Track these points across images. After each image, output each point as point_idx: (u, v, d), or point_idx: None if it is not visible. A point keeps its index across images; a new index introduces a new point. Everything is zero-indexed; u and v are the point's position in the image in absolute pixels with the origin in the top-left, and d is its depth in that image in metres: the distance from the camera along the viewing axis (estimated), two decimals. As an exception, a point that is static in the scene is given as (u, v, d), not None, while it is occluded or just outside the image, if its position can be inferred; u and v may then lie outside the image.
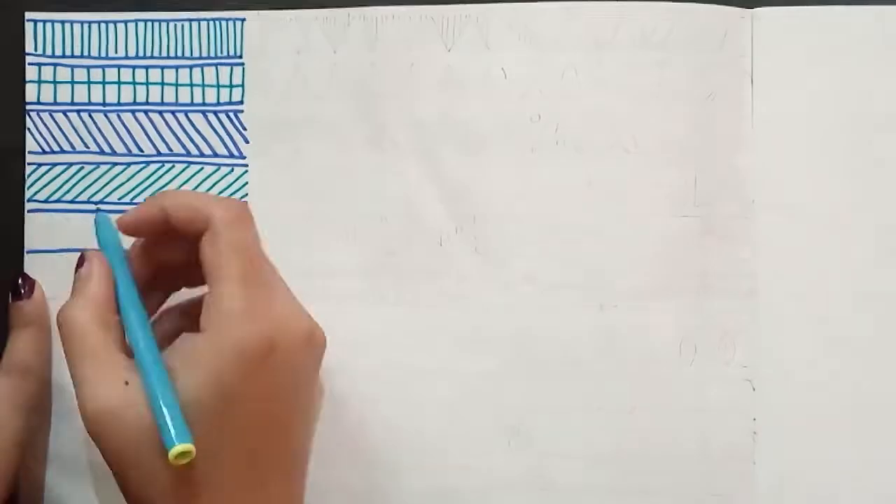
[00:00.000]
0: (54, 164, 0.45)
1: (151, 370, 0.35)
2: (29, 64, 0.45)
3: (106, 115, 0.45)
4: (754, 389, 0.44)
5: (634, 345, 0.44)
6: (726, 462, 0.43)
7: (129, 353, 0.37)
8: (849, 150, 0.44)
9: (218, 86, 0.45)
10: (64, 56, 0.46)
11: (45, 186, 0.45)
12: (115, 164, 0.45)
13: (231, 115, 0.45)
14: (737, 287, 0.44)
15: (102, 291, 0.38)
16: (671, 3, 0.44)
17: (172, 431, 0.33)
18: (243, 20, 0.45)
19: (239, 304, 0.36)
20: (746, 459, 0.44)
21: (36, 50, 0.46)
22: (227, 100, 0.45)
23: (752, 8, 0.44)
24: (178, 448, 0.33)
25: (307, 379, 0.39)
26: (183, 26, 0.45)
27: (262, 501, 0.37)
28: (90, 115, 0.45)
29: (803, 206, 0.44)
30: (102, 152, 0.45)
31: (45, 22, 0.45)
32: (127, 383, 0.35)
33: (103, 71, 0.45)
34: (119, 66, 0.45)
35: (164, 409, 0.34)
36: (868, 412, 0.44)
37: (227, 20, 0.45)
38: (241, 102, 0.45)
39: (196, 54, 0.45)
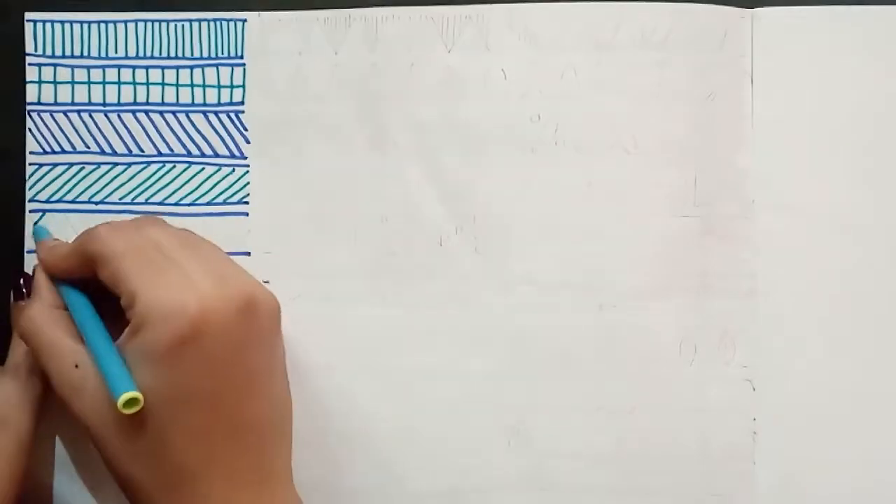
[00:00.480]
0: (55, 165, 0.46)
1: (96, 341, 0.38)
2: (29, 64, 0.46)
3: (106, 116, 0.46)
4: (754, 389, 0.44)
5: (634, 345, 0.44)
6: (726, 462, 0.44)
7: (79, 339, 0.39)
8: (849, 149, 0.44)
9: (219, 86, 0.45)
10: (64, 56, 0.46)
11: (45, 187, 0.45)
12: (116, 164, 0.45)
13: (232, 115, 0.45)
14: (737, 287, 0.44)
15: (47, 293, 0.42)
16: (671, 3, 0.44)
17: (118, 383, 0.36)
18: (244, 21, 0.45)
19: (149, 301, 0.37)
20: (746, 459, 0.44)
21: (36, 50, 0.46)
22: (228, 100, 0.45)
23: (752, 8, 0.45)
24: (125, 395, 0.35)
25: (250, 349, 0.39)
26: (184, 27, 0.45)
27: (223, 473, 0.38)
28: (90, 116, 0.46)
29: (803, 206, 0.44)
30: (103, 152, 0.46)
31: (45, 22, 0.46)
32: (77, 366, 0.38)
33: (104, 71, 0.46)
34: (119, 67, 0.46)
35: (109, 367, 0.37)
36: (868, 412, 0.44)
37: (227, 21, 0.45)
38: (242, 103, 0.45)
39: (197, 55, 0.45)
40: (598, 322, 0.44)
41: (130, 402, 0.35)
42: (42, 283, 0.42)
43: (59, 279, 0.42)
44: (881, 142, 0.44)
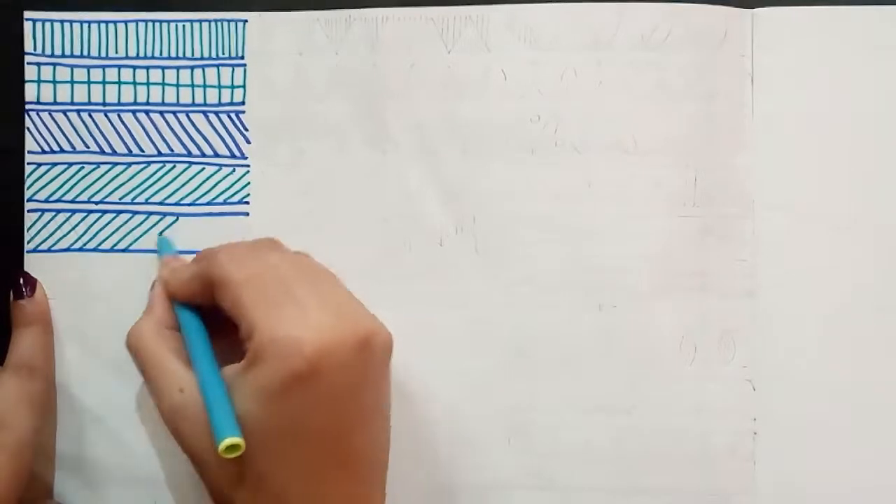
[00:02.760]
0: (54, 164, 0.46)
1: (205, 374, 0.38)
2: (28, 63, 0.46)
3: (106, 115, 0.46)
4: (754, 389, 0.44)
5: (634, 345, 0.44)
6: (726, 462, 0.44)
7: (187, 362, 0.40)
8: (849, 149, 0.45)
9: (219, 86, 0.46)
10: (63, 56, 0.46)
11: (45, 186, 0.46)
12: (116, 164, 0.46)
13: (232, 115, 0.46)
14: (737, 287, 0.44)
15: (161, 310, 0.42)
16: (671, 3, 0.44)
17: (222, 427, 0.36)
18: (245, 21, 0.46)
19: (266, 336, 0.36)
20: (746, 459, 0.44)
21: (35, 49, 0.46)
22: (229, 100, 0.46)
23: (752, 8, 0.45)
24: (226, 441, 0.35)
25: (363, 387, 0.38)
26: (184, 27, 0.46)
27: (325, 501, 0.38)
28: (90, 115, 0.46)
29: (803, 206, 0.45)
30: (103, 152, 0.46)
31: (44, 21, 0.46)
32: (181, 390, 0.38)
33: (103, 71, 0.46)
34: (119, 66, 0.46)
35: (215, 407, 0.37)
36: (868, 412, 0.44)
37: (228, 21, 0.46)
38: (243, 103, 0.46)
39: (197, 55, 0.46)
40: (598, 322, 0.44)
41: (231, 447, 0.35)
42: (157, 300, 0.42)
43: (176, 301, 0.42)
44: (881, 142, 0.45)
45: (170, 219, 0.46)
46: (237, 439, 0.35)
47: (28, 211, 0.46)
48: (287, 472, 0.37)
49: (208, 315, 0.41)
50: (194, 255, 0.42)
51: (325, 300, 0.38)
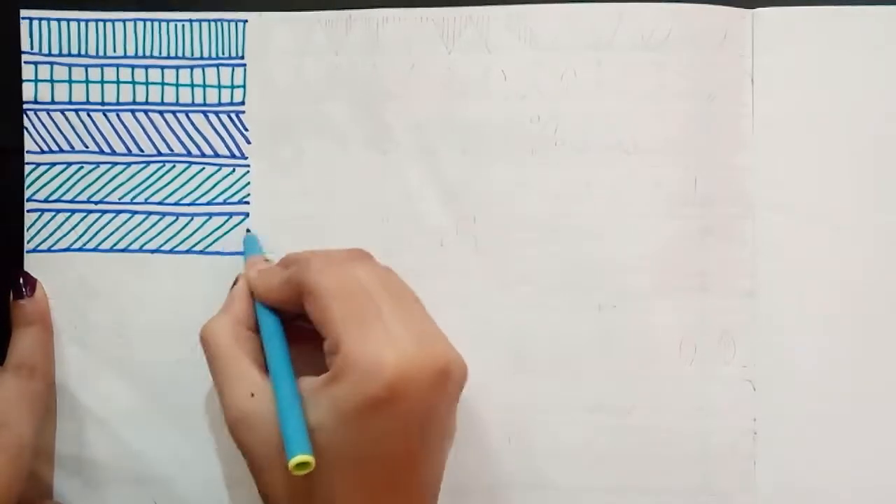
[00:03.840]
0: (53, 164, 0.46)
1: (282, 383, 0.38)
2: (25, 62, 0.46)
3: (105, 115, 0.46)
4: (754, 389, 0.44)
5: (634, 345, 0.45)
6: (726, 462, 0.44)
7: (261, 366, 0.39)
8: (849, 149, 0.45)
9: (219, 86, 0.46)
10: (61, 55, 0.46)
11: (44, 186, 0.46)
12: (115, 163, 0.46)
13: (232, 115, 0.46)
14: (737, 287, 0.45)
15: (241, 309, 0.41)
16: (671, 4, 0.45)
17: (294, 442, 0.35)
18: (245, 21, 0.46)
19: (351, 355, 0.36)
20: (746, 459, 0.44)
21: (32, 48, 0.46)
22: (229, 100, 0.46)
23: (753, 8, 0.45)
24: (297, 458, 0.34)
25: (437, 416, 0.38)
26: (184, 27, 0.46)
27: None
28: (89, 115, 0.46)
29: (803, 206, 0.45)
30: (102, 152, 0.46)
31: (41, 20, 0.46)
32: (252, 395, 0.38)
33: (101, 70, 0.46)
34: (118, 66, 0.46)
35: (289, 421, 0.36)
36: (868, 412, 0.45)
37: (228, 21, 0.46)
38: (243, 103, 0.46)
39: (197, 55, 0.46)
40: (598, 322, 0.45)
41: (302, 465, 0.35)
42: (239, 298, 0.42)
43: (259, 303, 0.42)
44: (881, 141, 0.45)
45: (169, 218, 0.46)
46: (308, 457, 0.35)
47: (28, 211, 0.46)
48: (350, 494, 0.37)
49: (287, 322, 0.41)
50: (282, 259, 0.42)
51: (410, 324, 0.38)
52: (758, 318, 0.45)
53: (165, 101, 0.46)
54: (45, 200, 0.46)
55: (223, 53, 0.46)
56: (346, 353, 0.36)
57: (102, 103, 0.46)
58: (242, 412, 0.38)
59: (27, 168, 0.46)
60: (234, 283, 0.43)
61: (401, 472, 0.37)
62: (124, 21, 0.46)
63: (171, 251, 0.46)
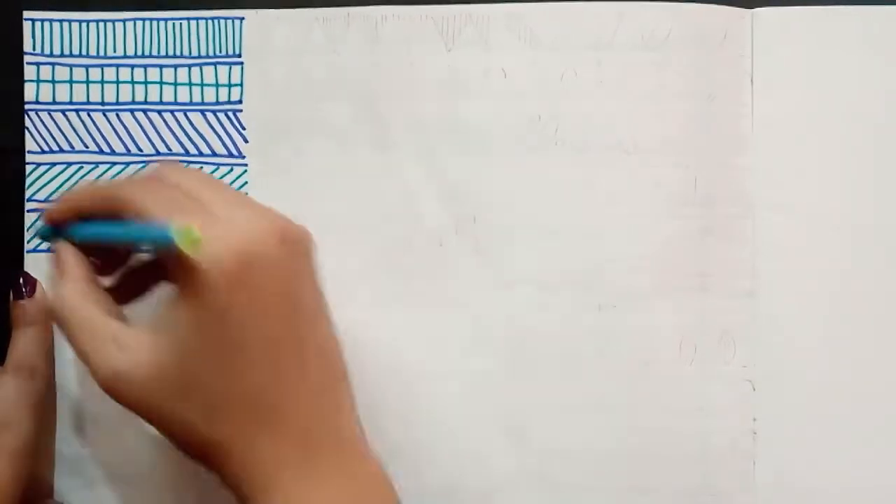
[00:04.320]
0: (53, 164, 0.46)
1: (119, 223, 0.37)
2: (27, 63, 0.46)
3: (105, 115, 0.46)
4: (754, 389, 0.45)
5: (634, 345, 0.45)
6: (726, 462, 0.44)
7: (119, 317, 0.39)
8: (849, 149, 0.45)
9: (217, 85, 0.46)
10: (62, 55, 0.46)
11: (44, 186, 0.46)
12: (115, 163, 0.46)
13: (230, 114, 0.46)
14: (737, 287, 0.45)
15: (75, 269, 0.40)
16: (671, 3, 0.45)
17: (155, 228, 0.35)
18: (242, 19, 0.46)
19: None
20: (746, 459, 0.44)
21: (34, 49, 0.46)
22: (227, 99, 0.46)
23: (752, 8, 0.45)
24: (180, 231, 0.34)
25: (299, 284, 0.38)
26: (181, 25, 0.46)
27: (294, 409, 0.37)
28: (89, 115, 0.46)
29: (803, 206, 0.45)
30: (102, 152, 0.46)
31: (43, 21, 0.46)
32: (119, 347, 0.37)
33: (102, 70, 0.46)
34: (118, 66, 0.46)
35: (145, 226, 0.36)
36: (868, 412, 0.45)
37: (225, 19, 0.46)
38: (241, 102, 0.46)
39: (195, 53, 0.46)
40: (598, 322, 0.45)
41: (186, 238, 0.34)
42: (69, 258, 0.40)
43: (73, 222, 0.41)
44: (881, 142, 0.45)
45: None
46: (189, 220, 0.34)
47: (28, 211, 0.46)
48: (248, 382, 0.36)
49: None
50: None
51: (233, 206, 0.37)
52: (758, 318, 0.45)
53: (164, 100, 0.46)
54: (45, 200, 0.46)
55: (221, 51, 0.46)
56: (183, 257, 0.35)
57: (102, 103, 0.46)
58: (115, 369, 0.37)
59: (27, 168, 0.46)
60: (52, 255, 0.41)
61: (289, 349, 0.37)
62: (124, 21, 0.46)
63: (170, 251, 0.46)
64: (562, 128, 0.45)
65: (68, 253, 0.40)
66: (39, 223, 0.43)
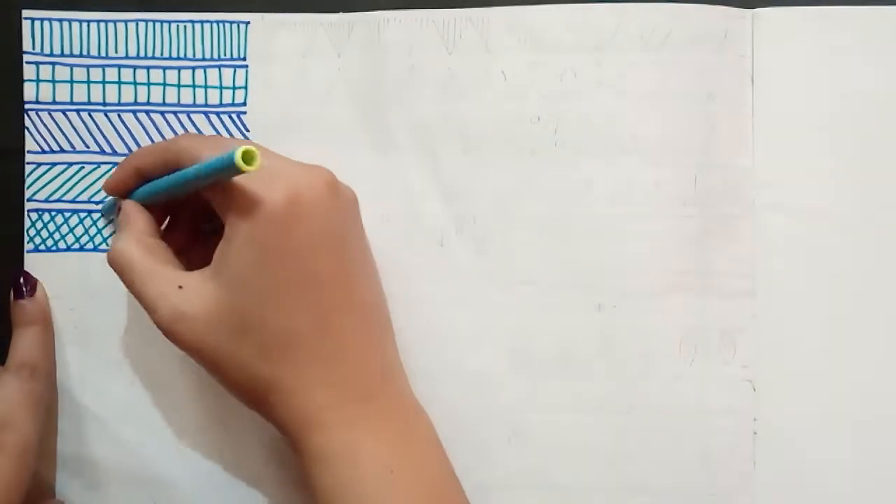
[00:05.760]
0: (54, 164, 0.47)
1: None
2: (27, 62, 0.47)
3: (106, 115, 0.47)
4: (755, 389, 0.45)
5: (634, 345, 0.45)
6: (726, 462, 0.45)
7: (180, 266, 0.41)
8: (849, 149, 0.45)
9: (221, 87, 0.46)
10: (63, 55, 0.47)
11: (44, 186, 0.46)
12: (116, 164, 0.46)
13: (234, 116, 0.46)
14: (737, 287, 0.45)
15: (140, 220, 0.42)
16: (671, 4, 0.45)
17: (223, 155, 0.36)
18: (247, 23, 0.46)
19: (242, 192, 0.38)
20: (746, 459, 0.45)
21: (34, 48, 0.47)
22: (231, 101, 0.46)
23: (753, 8, 0.46)
24: (241, 149, 0.35)
25: (346, 231, 0.40)
26: (186, 28, 0.46)
27: (344, 351, 0.39)
28: (90, 115, 0.47)
29: (803, 206, 0.45)
30: (103, 152, 0.47)
31: (42, 20, 0.47)
32: (181, 287, 0.39)
33: (103, 70, 0.47)
34: (119, 66, 0.47)
35: (198, 165, 0.38)
36: (868, 412, 0.45)
37: (230, 23, 0.46)
38: (245, 104, 0.46)
39: (199, 56, 0.46)
40: (598, 322, 0.45)
41: (247, 153, 0.35)
42: (132, 213, 0.42)
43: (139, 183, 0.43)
44: (881, 142, 0.46)
45: None
46: (248, 145, 0.35)
47: (28, 211, 0.47)
48: (303, 325, 0.38)
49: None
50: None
51: (285, 160, 0.40)
52: (758, 318, 0.45)
53: (167, 101, 0.47)
54: (45, 200, 0.47)
55: (225, 55, 0.47)
56: (240, 192, 0.37)
57: (104, 104, 0.47)
58: (177, 309, 0.39)
59: (27, 168, 0.47)
60: (118, 214, 0.44)
61: (339, 292, 0.39)
62: (126, 22, 0.47)
63: (171, 251, 0.47)
64: (562, 128, 0.46)
65: (131, 208, 0.43)
66: (105, 202, 0.46)
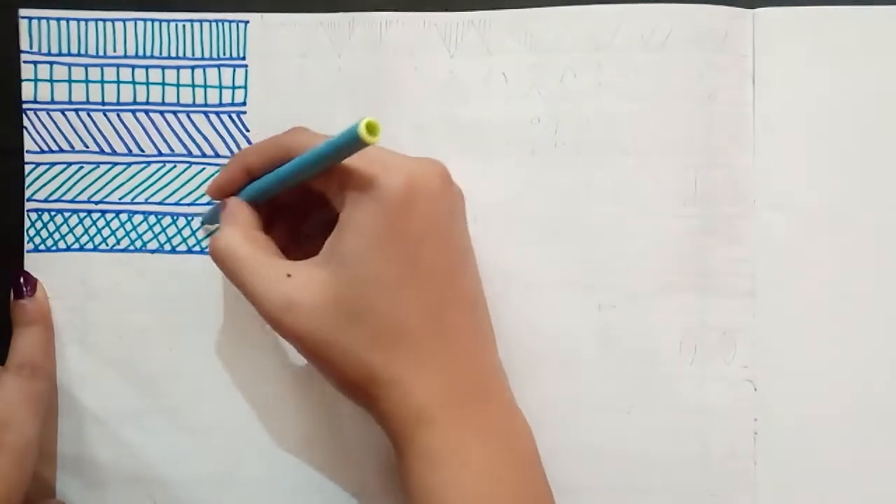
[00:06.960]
0: (53, 164, 0.47)
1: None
2: (24, 62, 0.47)
3: (105, 115, 0.47)
4: (755, 389, 0.45)
5: (634, 345, 0.46)
6: (726, 462, 0.45)
7: (285, 259, 0.41)
8: (849, 149, 0.46)
9: (220, 87, 0.47)
10: (61, 54, 0.47)
11: (44, 186, 0.47)
12: (116, 163, 0.47)
13: (233, 116, 0.47)
14: (737, 287, 0.46)
15: (245, 214, 0.42)
16: (671, 4, 0.46)
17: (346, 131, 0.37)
18: (247, 22, 0.47)
19: (361, 176, 0.38)
20: (747, 459, 0.45)
21: (31, 47, 0.47)
22: (230, 101, 0.47)
23: (753, 8, 0.46)
24: (364, 120, 0.36)
25: (456, 221, 0.41)
26: (185, 27, 0.47)
27: (454, 345, 0.39)
28: (89, 115, 0.47)
29: (803, 206, 0.46)
30: (102, 152, 0.47)
31: (39, 19, 0.47)
32: (289, 275, 0.39)
33: (102, 70, 0.47)
34: (118, 66, 0.47)
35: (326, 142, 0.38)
36: (868, 412, 0.45)
37: (229, 22, 0.47)
38: (244, 104, 0.47)
39: (198, 55, 0.47)
40: (598, 322, 0.46)
41: (370, 125, 0.36)
42: (236, 208, 0.42)
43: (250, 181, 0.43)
44: (881, 142, 0.46)
45: (169, 219, 0.47)
46: (369, 119, 0.36)
47: (28, 211, 0.47)
48: (411, 314, 0.38)
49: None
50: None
51: (393, 151, 0.40)
52: (758, 318, 0.46)
53: (166, 101, 0.47)
54: (45, 200, 0.47)
55: (225, 54, 0.47)
56: (357, 178, 0.38)
57: (103, 103, 0.47)
58: (286, 296, 0.39)
59: (27, 168, 0.47)
60: (223, 207, 0.43)
61: (444, 282, 0.39)
62: (125, 21, 0.47)
63: (171, 251, 0.47)
64: (562, 129, 0.46)
65: (235, 204, 0.43)
66: (208, 210, 0.46)
